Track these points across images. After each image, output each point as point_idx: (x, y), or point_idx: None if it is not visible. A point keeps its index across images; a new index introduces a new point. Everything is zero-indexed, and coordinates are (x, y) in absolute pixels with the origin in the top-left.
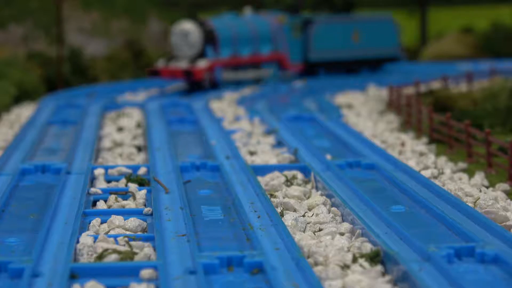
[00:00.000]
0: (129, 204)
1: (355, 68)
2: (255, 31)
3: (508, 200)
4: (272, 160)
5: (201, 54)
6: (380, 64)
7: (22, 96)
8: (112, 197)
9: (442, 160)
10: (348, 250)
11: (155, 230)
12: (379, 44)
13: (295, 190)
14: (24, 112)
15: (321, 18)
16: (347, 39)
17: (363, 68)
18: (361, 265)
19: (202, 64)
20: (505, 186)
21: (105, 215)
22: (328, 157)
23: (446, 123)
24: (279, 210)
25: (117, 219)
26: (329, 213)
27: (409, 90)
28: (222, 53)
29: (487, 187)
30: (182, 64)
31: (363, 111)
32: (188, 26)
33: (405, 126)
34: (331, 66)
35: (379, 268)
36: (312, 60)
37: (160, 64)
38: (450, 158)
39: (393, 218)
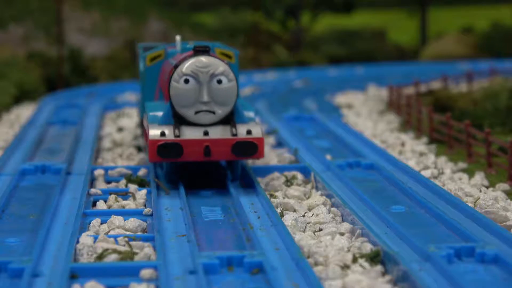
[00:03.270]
0: (129, 204)
1: None
2: None
3: (508, 200)
4: (272, 161)
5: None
6: None
7: (22, 96)
8: (112, 197)
9: (442, 160)
10: (348, 250)
11: (155, 230)
12: None
13: (295, 190)
14: (24, 112)
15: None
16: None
17: None
18: (361, 265)
19: (257, 129)
20: (505, 186)
21: (105, 216)
22: (328, 157)
23: (446, 123)
24: (279, 210)
25: (117, 220)
26: (329, 213)
27: (409, 90)
28: None
29: (487, 187)
30: (220, 132)
31: (363, 111)
32: (220, 67)
33: (405, 126)
34: None
35: (379, 268)
36: None
37: (164, 133)
38: (450, 158)
39: (393, 218)
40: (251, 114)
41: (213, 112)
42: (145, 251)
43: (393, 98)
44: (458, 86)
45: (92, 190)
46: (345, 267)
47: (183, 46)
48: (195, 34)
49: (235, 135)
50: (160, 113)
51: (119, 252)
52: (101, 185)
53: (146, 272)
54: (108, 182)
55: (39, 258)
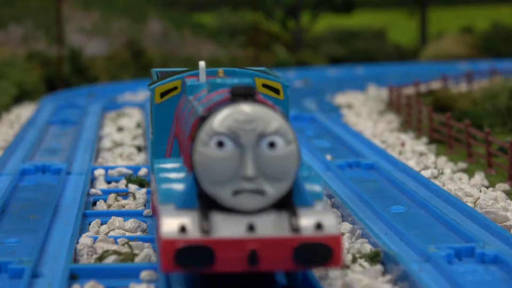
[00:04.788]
0: (129, 204)
1: None
2: None
3: (508, 200)
4: None
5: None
6: None
7: (22, 96)
8: (112, 196)
9: (442, 160)
10: (348, 252)
11: (155, 231)
12: None
13: None
14: (24, 112)
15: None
16: None
17: None
18: (360, 265)
19: (330, 220)
20: (505, 186)
21: (105, 216)
22: (328, 157)
23: (446, 123)
24: None
25: (117, 220)
26: None
27: (409, 90)
28: None
29: (487, 187)
30: (272, 226)
31: (363, 111)
32: (272, 122)
33: (405, 126)
34: None
35: (379, 267)
36: None
37: (185, 228)
38: (450, 158)
39: (393, 218)
40: (316, 188)
41: (262, 193)
42: (145, 252)
43: (393, 98)
44: (458, 86)
45: (92, 190)
46: (345, 267)
47: (211, 81)
48: (195, 34)
49: (297, 230)
50: (177, 187)
51: (119, 253)
52: (101, 185)
53: (146, 273)
54: (108, 182)
55: (39, 258)
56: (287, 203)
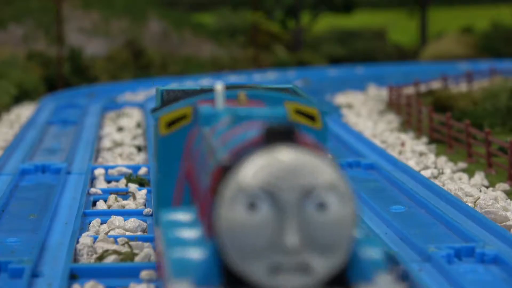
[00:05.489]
0: (129, 204)
1: None
2: None
3: (508, 200)
4: None
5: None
6: None
7: (22, 96)
8: (112, 197)
9: (442, 160)
10: None
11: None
12: None
13: None
14: (24, 112)
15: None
16: None
17: None
18: None
19: None
20: (505, 186)
21: (105, 216)
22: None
23: (446, 123)
24: None
25: (117, 220)
26: None
27: (409, 90)
28: None
29: (487, 187)
30: None
31: (363, 111)
32: (320, 175)
33: (405, 126)
34: None
35: None
36: None
37: None
38: (450, 158)
39: (393, 218)
40: (376, 254)
41: (308, 269)
42: (145, 251)
43: (393, 98)
44: (458, 86)
45: (92, 190)
46: None
47: (232, 112)
48: (195, 34)
49: None
50: (194, 255)
51: (119, 253)
52: (101, 184)
53: (146, 273)
54: (108, 181)
55: (39, 258)
56: (340, 280)
